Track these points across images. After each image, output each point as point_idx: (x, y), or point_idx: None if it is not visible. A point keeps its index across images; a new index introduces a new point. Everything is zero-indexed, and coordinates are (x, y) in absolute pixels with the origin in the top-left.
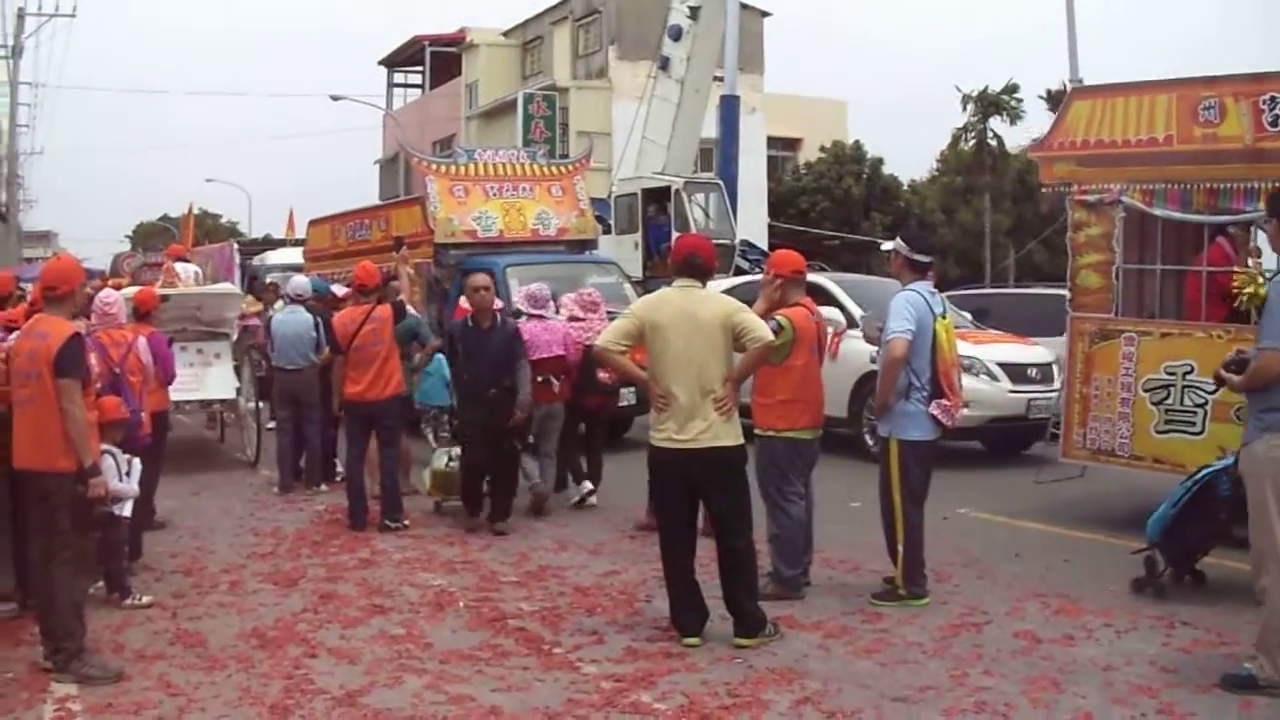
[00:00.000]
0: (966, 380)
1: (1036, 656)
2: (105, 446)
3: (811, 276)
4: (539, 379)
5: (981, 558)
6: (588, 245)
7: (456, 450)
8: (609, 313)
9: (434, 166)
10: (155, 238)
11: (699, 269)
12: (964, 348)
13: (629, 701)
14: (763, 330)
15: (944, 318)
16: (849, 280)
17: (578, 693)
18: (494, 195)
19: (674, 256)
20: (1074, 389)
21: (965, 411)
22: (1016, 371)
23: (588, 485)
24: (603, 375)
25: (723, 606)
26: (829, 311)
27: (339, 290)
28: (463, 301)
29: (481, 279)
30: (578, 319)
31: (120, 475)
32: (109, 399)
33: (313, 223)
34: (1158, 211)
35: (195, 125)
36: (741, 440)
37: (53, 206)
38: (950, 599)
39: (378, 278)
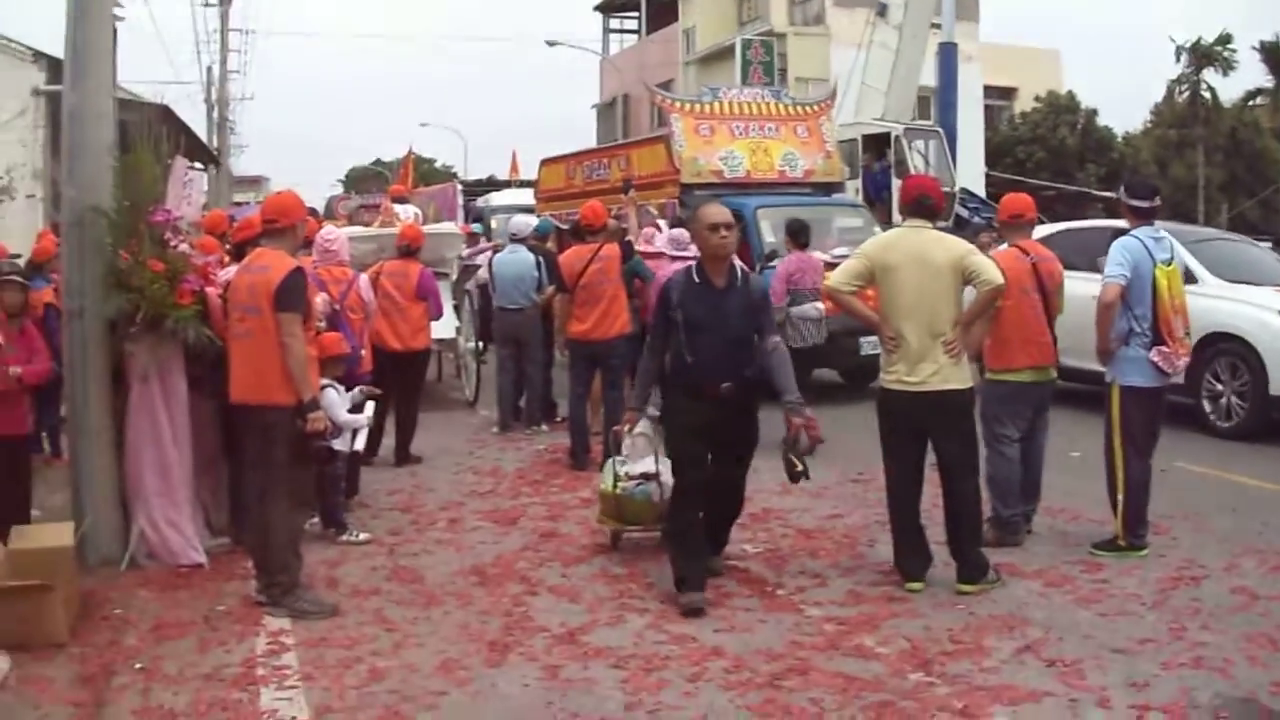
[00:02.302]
0: None
1: (1254, 613)
2: (326, 381)
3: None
4: None
5: (1198, 511)
6: (834, 188)
7: (630, 465)
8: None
9: (679, 105)
10: (368, 182)
11: (929, 210)
12: None
13: (852, 645)
14: (992, 273)
15: (1168, 265)
16: (1192, 233)
17: (801, 635)
18: (740, 135)
19: (904, 198)
20: None
21: None
22: None
23: None
24: None
25: (944, 552)
26: None
27: None
28: (658, 240)
29: (718, 213)
30: (679, 257)
31: (342, 408)
32: (330, 335)
33: (545, 162)
34: None
35: (408, 70)
36: (970, 384)
37: (264, 152)
38: (1168, 552)
39: (605, 217)
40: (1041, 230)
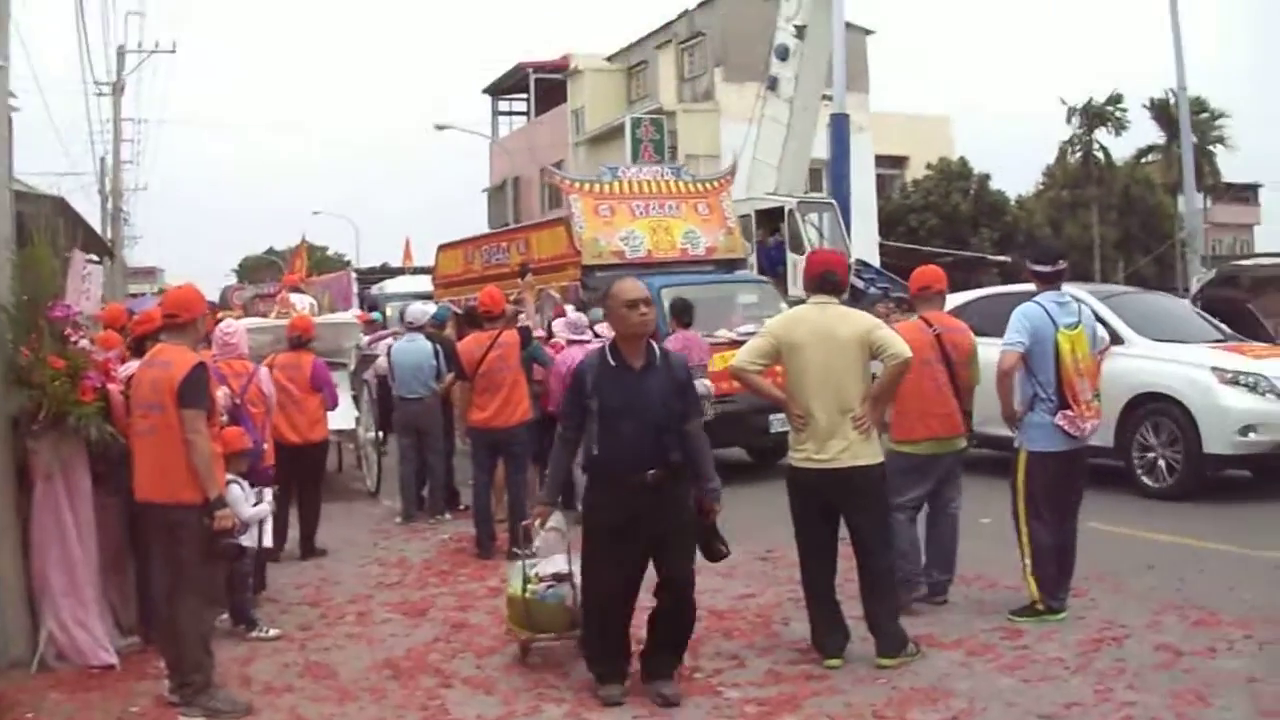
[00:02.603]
0: (1251, 401)
1: (1179, 670)
2: (230, 476)
3: (1073, 290)
4: None
5: (1115, 571)
6: (736, 264)
7: (541, 565)
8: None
9: (578, 185)
10: (261, 271)
11: (835, 285)
12: (1245, 364)
13: None
14: (900, 347)
15: (1071, 329)
16: (1111, 293)
17: (721, 718)
18: (640, 214)
19: (809, 274)
20: None
21: (1254, 436)
22: None
23: None
24: None
25: (862, 627)
26: None
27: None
28: (556, 325)
29: (634, 288)
30: (575, 341)
31: (247, 503)
32: (232, 430)
33: (443, 247)
34: None
35: (299, 158)
36: (881, 459)
37: (157, 242)
38: (1087, 613)
39: (503, 303)
40: (961, 296)
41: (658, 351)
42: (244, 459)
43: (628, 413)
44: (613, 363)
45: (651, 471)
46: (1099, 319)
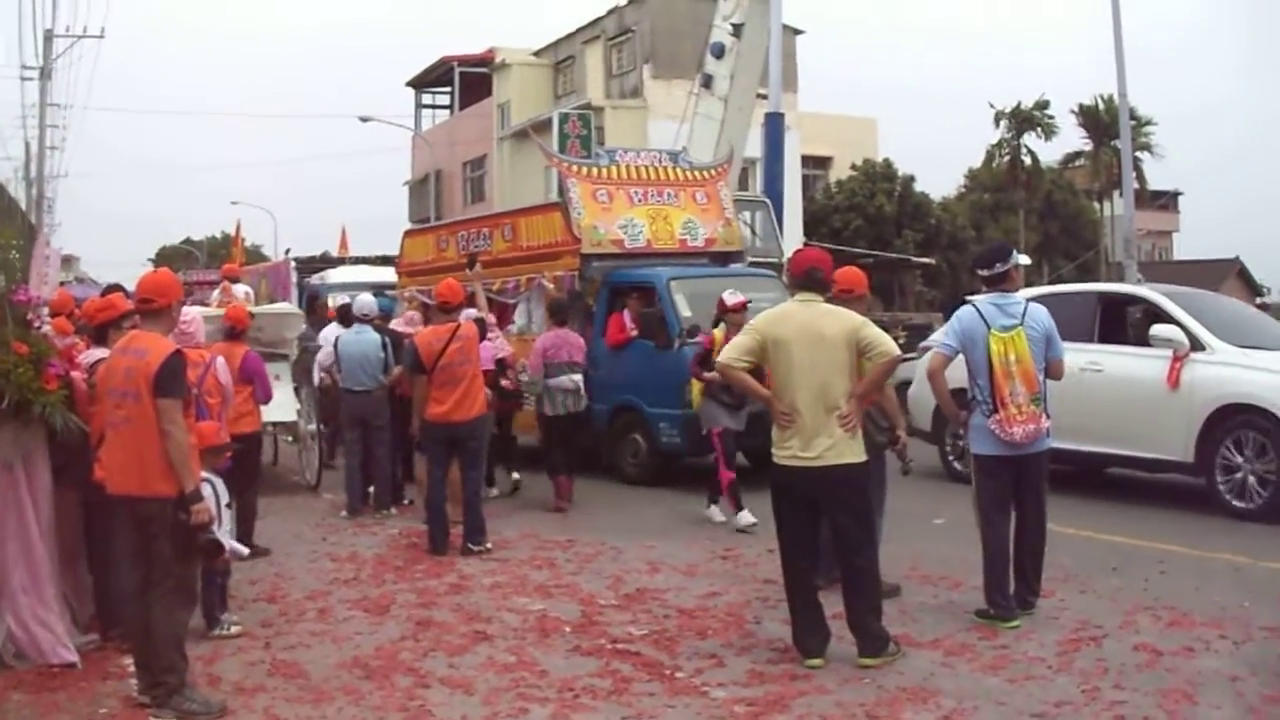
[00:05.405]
0: None
1: (1161, 669)
2: (205, 475)
3: (1143, 291)
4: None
5: (1079, 572)
6: (734, 257)
7: None
8: None
9: (575, 169)
10: (178, 261)
11: (820, 283)
12: None
13: None
14: (888, 345)
15: (1006, 330)
16: (1187, 295)
17: (712, 719)
18: (639, 201)
19: (795, 270)
20: None
21: None
22: None
23: (516, 474)
24: (505, 383)
25: (837, 624)
26: (1168, 330)
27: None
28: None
29: None
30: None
31: (220, 508)
32: (207, 424)
33: (410, 233)
34: None
35: (218, 148)
36: (865, 457)
37: (74, 230)
38: (1060, 614)
39: (462, 295)
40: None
41: None
42: (220, 454)
43: None
44: None
45: None
46: (1177, 323)
